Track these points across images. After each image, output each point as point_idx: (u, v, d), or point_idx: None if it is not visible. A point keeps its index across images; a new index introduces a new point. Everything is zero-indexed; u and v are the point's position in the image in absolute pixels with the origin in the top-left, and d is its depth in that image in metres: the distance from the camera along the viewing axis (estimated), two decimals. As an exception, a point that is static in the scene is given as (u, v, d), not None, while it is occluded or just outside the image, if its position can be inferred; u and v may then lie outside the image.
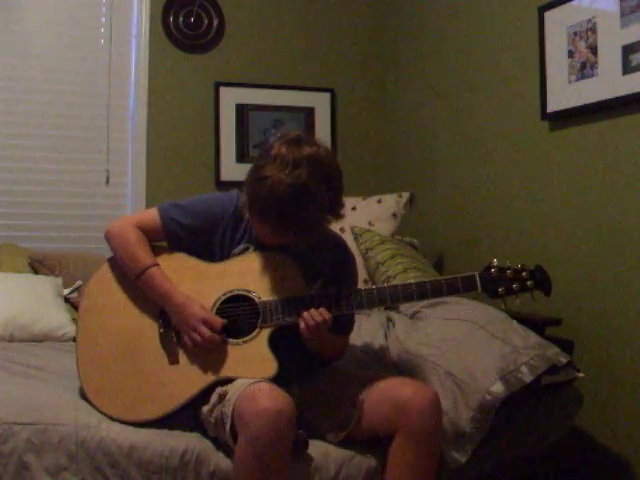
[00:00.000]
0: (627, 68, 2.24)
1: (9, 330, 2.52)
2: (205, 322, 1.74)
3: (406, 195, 3.19)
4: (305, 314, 1.73)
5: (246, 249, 1.85)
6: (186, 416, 1.77)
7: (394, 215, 3.12)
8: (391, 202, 3.15)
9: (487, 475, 1.97)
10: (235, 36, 3.56)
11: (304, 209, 1.65)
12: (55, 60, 3.34)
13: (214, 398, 1.71)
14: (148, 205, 3.35)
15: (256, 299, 1.79)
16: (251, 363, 1.75)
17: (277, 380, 1.70)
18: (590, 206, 2.42)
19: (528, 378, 1.85)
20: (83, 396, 1.81)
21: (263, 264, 1.82)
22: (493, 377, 1.85)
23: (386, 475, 1.72)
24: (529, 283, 1.78)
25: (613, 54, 2.29)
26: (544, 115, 2.60)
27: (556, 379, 1.94)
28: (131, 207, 3.42)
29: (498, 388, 1.82)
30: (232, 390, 1.68)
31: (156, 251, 1.86)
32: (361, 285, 2.23)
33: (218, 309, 1.80)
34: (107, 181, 3.40)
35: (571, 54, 2.47)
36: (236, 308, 1.80)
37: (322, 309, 1.73)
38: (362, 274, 2.63)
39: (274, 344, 1.76)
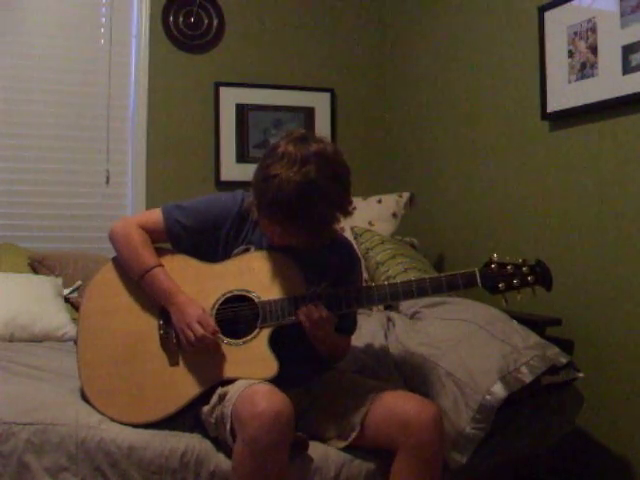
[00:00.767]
0: (627, 68, 2.24)
1: (9, 330, 2.52)
2: (200, 321, 1.73)
3: (406, 195, 3.19)
4: (302, 310, 1.73)
5: (247, 250, 1.85)
6: (186, 416, 1.77)
7: (394, 215, 3.12)
8: (391, 202, 3.15)
9: (487, 475, 1.98)
10: (235, 36, 3.56)
11: (314, 206, 1.64)
12: (55, 60, 3.33)
13: (214, 398, 1.71)
14: (148, 205, 3.35)
15: (256, 299, 1.79)
16: (251, 363, 1.75)
17: (279, 381, 1.70)
18: (590, 206, 2.42)
19: (528, 378, 1.85)
20: (83, 396, 1.81)
21: (263, 264, 1.81)
22: (493, 377, 1.84)
23: None
24: (530, 278, 1.77)
25: (613, 54, 2.28)
26: (544, 115, 2.60)
27: (556, 379, 1.94)
28: (131, 207, 3.42)
29: (498, 388, 1.82)
30: (232, 390, 1.68)
31: (157, 251, 1.86)
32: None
33: (218, 309, 1.80)
34: (107, 181, 3.40)
35: (571, 54, 2.47)
36: (236, 308, 1.80)
37: (319, 305, 1.73)
38: (363, 274, 2.62)
39: (274, 344, 1.76)
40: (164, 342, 1.81)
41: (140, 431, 1.71)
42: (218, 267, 1.84)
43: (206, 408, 1.73)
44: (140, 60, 3.41)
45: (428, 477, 1.67)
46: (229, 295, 1.81)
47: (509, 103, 2.83)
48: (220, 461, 1.68)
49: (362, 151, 3.70)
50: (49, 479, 1.64)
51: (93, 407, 1.77)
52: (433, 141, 3.37)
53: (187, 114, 3.49)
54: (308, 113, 3.65)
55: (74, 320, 2.66)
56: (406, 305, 2.45)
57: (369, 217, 3.09)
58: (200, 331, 1.72)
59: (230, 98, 3.53)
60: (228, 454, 1.67)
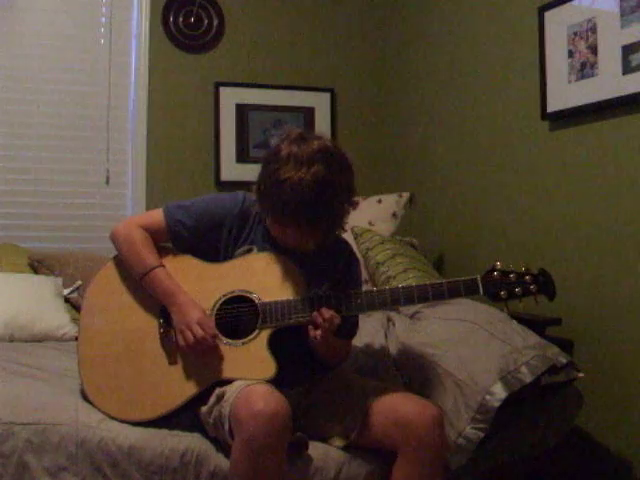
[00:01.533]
0: (627, 68, 2.24)
1: (9, 330, 2.52)
2: (200, 323, 1.73)
3: (406, 195, 3.19)
4: (315, 314, 1.71)
5: (249, 250, 1.85)
6: (186, 416, 1.77)
7: (394, 215, 3.12)
8: (391, 202, 3.15)
9: (487, 475, 1.98)
10: (235, 36, 3.56)
11: (329, 203, 1.66)
12: (55, 60, 3.34)
13: (212, 399, 1.71)
14: (148, 205, 3.35)
15: (256, 300, 1.79)
16: (250, 364, 1.75)
17: (279, 382, 1.70)
18: (590, 206, 2.42)
19: (528, 378, 1.85)
20: (83, 396, 1.82)
21: (265, 265, 1.81)
22: (493, 377, 1.84)
23: None
24: (532, 287, 1.75)
25: (613, 54, 2.28)
26: (544, 115, 2.60)
27: (556, 379, 1.94)
28: (131, 207, 3.42)
29: (498, 388, 1.82)
30: (230, 391, 1.68)
31: (160, 251, 1.86)
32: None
33: (218, 310, 1.80)
34: (107, 181, 3.40)
35: (571, 54, 2.47)
36: (236, 309, 1.80)
37: (330, 311, 1.71)
38: (362, 274, 2.62)
39: (274, 346, 1.76)
40: (164, 341, 1.81)
41: (140, 431, 1.71)
42: (220, 267, 1.84)
43: (204, 408, 1.73)
44: (140, 60, 3.41)
45: (429, 478, 1.66)
46: (230, 296, 1.81)
47: (509, 103, 2.83)
48: (220, 461, 1.68)
49: (362, 151, 3.70)
50: (49, 479, 1.64)
51: (92, 404, 1.78)
52: (433, 141, 3.37)
53: (187, 114, 3.49)
54: (308, 113, 3.65)
55: (74, 320, 2.66)
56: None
57: (369, 217, 3.09)
58: (200, 333, 1.72)
59: (230, 98, 3.53)
60: (228, 454, 1.66)
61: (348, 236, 2.85)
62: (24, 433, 1.65)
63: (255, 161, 1.83)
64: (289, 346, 1.79)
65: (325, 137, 1.74)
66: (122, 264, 1.88)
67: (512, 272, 1.77)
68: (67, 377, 1.98)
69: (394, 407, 1.71)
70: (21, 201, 3.28)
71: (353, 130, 3.74)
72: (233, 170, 3.51)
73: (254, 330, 1.77)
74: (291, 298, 1.77)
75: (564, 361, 1.94)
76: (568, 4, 2.47)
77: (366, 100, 3.78)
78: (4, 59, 3.26)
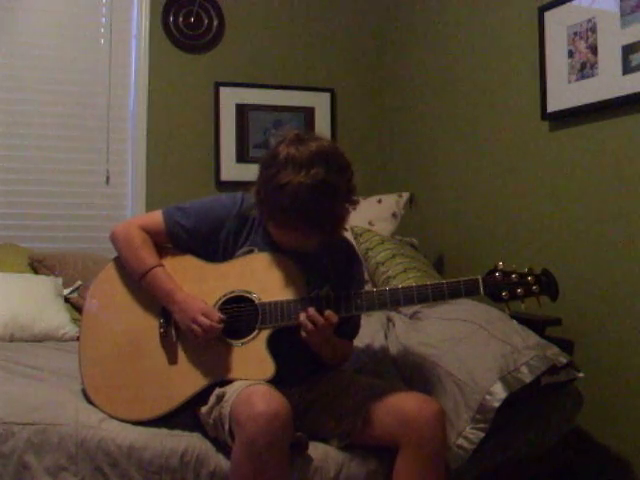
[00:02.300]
0: (627, 68, 2.24)
1: (9, 330, 2.53)
2: (204, 313, 1.73)
3: (406, 195, 3.19)
4: (302, 316, 1.71)
5: (250, 251, 1.84)
6: (186, 416, 1.77)
7: (394, 215, 3.12)
8: (391, 202, 3.16)
9: (487, 475, 1.98)
10: (235, 36, 3.56)
11: (330, 205, 1.66)
12: (55, 60, 3.34)
13: (212, 399, 1.71)
14: (148, 205, 3.35)
15: (256, 300, 1.79)
16: (249, 364, 1.74)
17: (279, 382, 1.70)
18: (590, 206, 2.42)
19: (528, 378, 1.85)
20: (84, 396, 1.82)
21: (265, 266, 1.81)
22: (493, 377, 1.84)
23: None
24: (534, 288, 1.73)
25: (613, 54, 2.28)
26: (544, 115, 2.60)
27: (556, 379, 1.94)
28: (131, 207, 3.43)
29: (498, 388, 1.82)
30: (230, 391, 1.68)
31: (159, 251, 1.87)
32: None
33: (218, 310, 1.80)
34: (107, 181, 3.41)
35: (571, 54, 2.47)
36: (236, 309, 1.80)
37: (328, 311, 1.71)
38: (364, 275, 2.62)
39: (274, 346, 1.75)
40: (164, 340, 1.81)
41: (140, 431, 1.71)
42: (220, 267, 1.84)
43: (204, 409, 1.73)
44: (140, 60, 3.41)
45: (431, 474, 1.66)
46: (230, 296, 1.81)
47: (509, 103, 2.83)
48: (220, 461, 1.68)
49: (362, 151, 3.70)
50: (49, 479, 1.64)
51: (92, 404, 1.78)
52: (433, 141, 3.37)
53: (187, 114, 3.50)
54: (308, 113, 3.65)
55: (74, 320, 2.67)
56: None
57: (369, 217, 3.09)
58: (206, 322, 1.72)
59: (230, 98, 3.53)
60: (228, 454, 1.66)
61: (348, 236, 2.85)
62: (24, 433, 1.66)
63: (255, 161, 1.82)
64: (289, 346, 1.78)
65: (322, 138, 1.73)
66: (122, 265, 1.89)
67: (514, 272, 1.75)
68: (67, 377, 1.98)
69: (395, 403, 1.71)
70: (21, 201, 3.28)
71: (353, 130, 3.74)
72: (233, 170, 3.51)
73: (253, 330, 1.77)
74: (291, 298, 1.77)
75: (564, 361, 1.94)
76: (568, 4, 2.47)
77: (366, 100, 3.78)
78: (4, 59, 3.26)
